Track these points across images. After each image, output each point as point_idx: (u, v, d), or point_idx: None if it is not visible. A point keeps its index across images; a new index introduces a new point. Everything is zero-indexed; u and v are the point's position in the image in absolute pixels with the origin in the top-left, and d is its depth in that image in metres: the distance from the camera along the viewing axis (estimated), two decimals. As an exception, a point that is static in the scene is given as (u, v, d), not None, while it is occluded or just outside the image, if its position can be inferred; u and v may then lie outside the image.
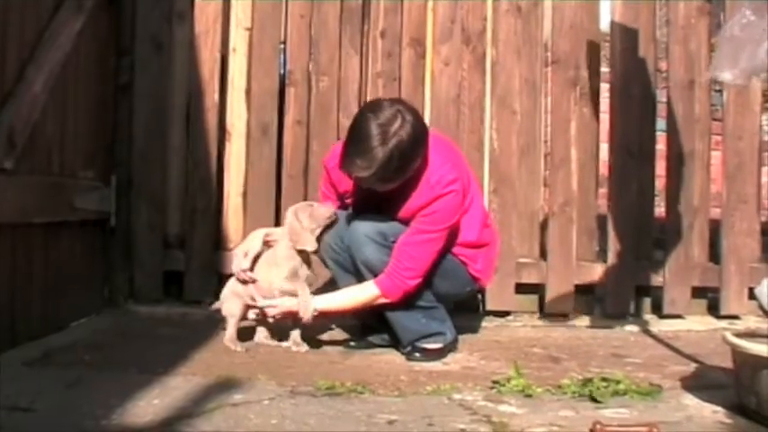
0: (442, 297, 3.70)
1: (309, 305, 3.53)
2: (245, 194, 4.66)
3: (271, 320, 3.64)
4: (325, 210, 3.67)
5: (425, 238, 3.49)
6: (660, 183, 4.89)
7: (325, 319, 3.79)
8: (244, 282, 3.68)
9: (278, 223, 4.51)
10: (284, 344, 3.71)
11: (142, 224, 4.59)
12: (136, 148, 4.60)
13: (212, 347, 3.64)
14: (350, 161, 3.38)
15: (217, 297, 3.94)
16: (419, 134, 3.39)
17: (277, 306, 3.59)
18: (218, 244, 4.65)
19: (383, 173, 3.35)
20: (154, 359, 3.34)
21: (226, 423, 2.53)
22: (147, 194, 4.59)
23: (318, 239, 3.65)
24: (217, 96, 4.66)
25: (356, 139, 3.38)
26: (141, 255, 4.59)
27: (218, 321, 3.87)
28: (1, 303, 3.36)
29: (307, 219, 3.63)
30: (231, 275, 3.80)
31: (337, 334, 4.04)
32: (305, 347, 3.66)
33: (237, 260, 3.73)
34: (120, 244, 4.58)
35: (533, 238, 4.72)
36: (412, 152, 3.38)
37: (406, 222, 3.55)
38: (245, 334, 3.77)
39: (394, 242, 3.51)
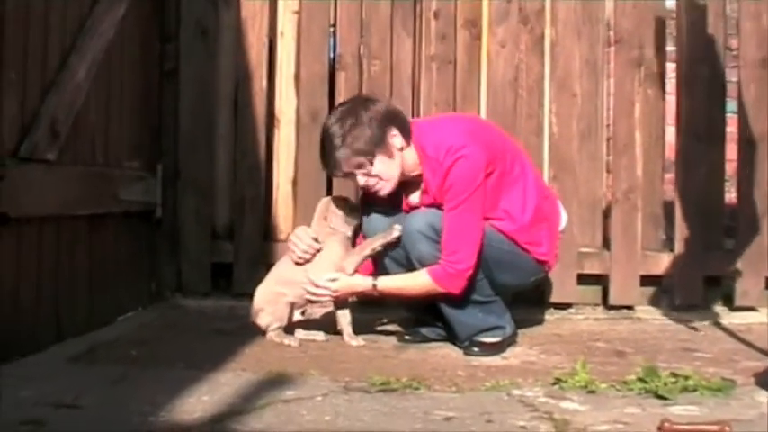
0: (504, 289, 3.68)
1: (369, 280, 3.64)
2: (294, 183, 4.68)
3: (323, 304, 3.79)
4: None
5: (454, 215, 3.47)
6: (730, 167, 4.80)
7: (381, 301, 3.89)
8: (306, 261, 3.71)
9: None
10: (317, 336, 3.76)
11: (189, 215, 4.63)
12: (182, 137, 4.64)
13: (262, 342, 3.65)
14: (323, 158, 3.59)
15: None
16: (381, 112, 3.54)
17: (338, 279, 3.62)
18: (267, 234, 4.67)
19: (350, 140, 3.46)
20: (202, 354, 3.36)
21: (277, 420, 2.53)
22: (194, 184, 4.63)
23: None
24: (265, 82, 4.68)
25: (321, 140, 3.58)
26: (188, 246, 4.63)
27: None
28: (45, 298, 3.41)
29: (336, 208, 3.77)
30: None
31: (391, 328, 4.04)
32: (360, 341, 3.67)
33: (297, 240, 3.74)
34: (166, 236, 4.63)
35: (595, 227, 4.67)
36: (381, 122, 3.50)
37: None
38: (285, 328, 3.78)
39: None
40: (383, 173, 3.53)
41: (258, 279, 4.08)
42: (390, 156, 3.52)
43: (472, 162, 3.47)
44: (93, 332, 3.70)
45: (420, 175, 3.59)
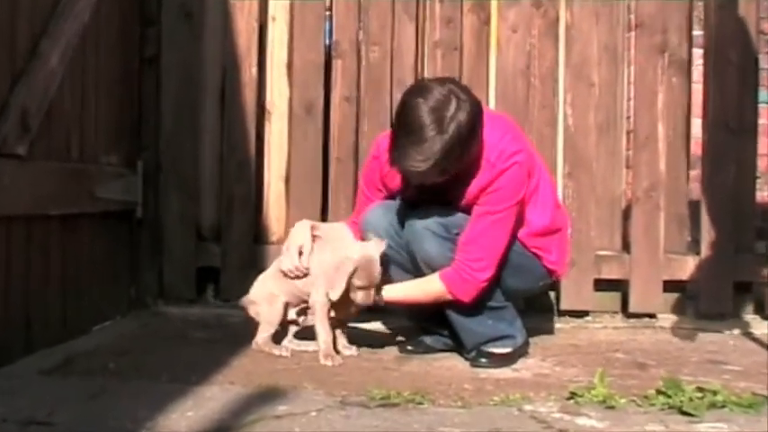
0: (512, 293, 3.68)
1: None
2: (287, 180, 4.68)
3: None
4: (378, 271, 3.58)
5: (492, 220, 3.46)
6: (762, 163, 4.80)
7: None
8: (296, 277, 3.67)
9: (324, 210, 4.53)
10: (310, 347, 3.72)
11: (173, 215, 4.63)
12: (164, 130, 4.64)
13: (252, 353, 3.65)
14: (404, 154, 3.33)
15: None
16: (476, 114, 3.35)
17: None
18: (258, 236, 4.67)
19: (444, 163, 3.30)
20: (187, 366, 3.35)
21: (268, 437, 2.54)
22: (177, 181, 4.63)
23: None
24: (255, 71, 4.68)
25: (408, 130, 3.32)
26: (172, 249, 4.63)
27: (258, 324, 3.89)
28: (15, 305, 3.40)
29: (362, 276, 3.52)
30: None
31: (391, 337, 4.04)
32: (355, 351, 3.67)
33: (291, 256, 3.68)
34: (148, 237, 4.63)
35: (614, 228, 4.67)
36: (472, 135, 3.34)
37: (468, 210, 3.53)
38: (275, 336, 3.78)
39: (458, 234, 3.49)
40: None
41: (248, 285, 4.08)
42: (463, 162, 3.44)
43: (524, 170, 3.48)
44: (67, 342, 3.70)
45: None
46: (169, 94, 4.63)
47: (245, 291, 3.88)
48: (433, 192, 3.54)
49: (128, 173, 4.42)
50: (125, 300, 4.49)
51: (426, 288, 3.55)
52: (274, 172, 4.70)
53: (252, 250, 4.61)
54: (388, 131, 3.55)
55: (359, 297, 3.52)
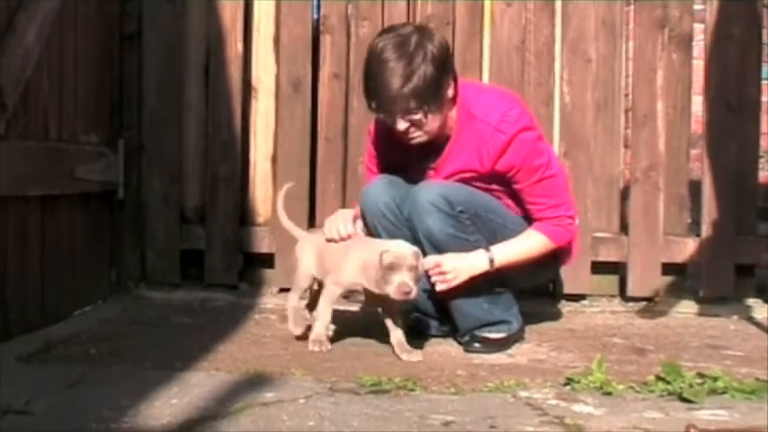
0: (515, 282, 3.69)
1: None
2: (274, 160, 4.67)
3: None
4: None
5: (544, 183, 3.53)
6: (766, 142, 4.80)
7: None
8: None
9: (312, 191, 4.53)
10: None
11: (155, 196, 4.62)
12: (146, 109, 4.62)
13: (238, 338, 3.65)
14: (375, 86, 3.41)
15: (242, 279, 3.96)
16: (444, 50, 3.46)
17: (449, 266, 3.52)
18: (243, 218, 4.67)
19: (416, 89, 3.34)
20: (170, 352, 3.35)
21: (255, 425, 2.53)
22: (160, 162, 4.62)
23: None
24: (240, 46, 4.66)
25: (376, 63, 3.41)
26: (155, 231, 4.62)
27: (244, 308, 3.87)
28: (-8, 289, 3.40)
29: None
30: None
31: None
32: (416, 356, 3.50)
33: (341, 221, 3.64)
34: (129, 219, 4.62)
35: (612, 209, 4.67)
36: (442, 68, 3.41)
37: (473, 181, 3.54)
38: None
39: (461, 212, 3.49)
40: (428, 126, 3.47)
41: (233, 268, 4.08)
42: (440, 109, 3.46)
43: (534, 133, 3.53)
44: (46, 328, 3.69)
45: (445, 137, 3.56)
46: (151, 71, 4.61)
47: (231, 273, 3.88)
48: (428, 155, 3.59)
49: (108, 152, 4.40)
50: (106, 284, 4.48)
51: (532, 245, 3.58)
52: (260, 151, 4.69)
53: (237, 232, 4.60)
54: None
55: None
